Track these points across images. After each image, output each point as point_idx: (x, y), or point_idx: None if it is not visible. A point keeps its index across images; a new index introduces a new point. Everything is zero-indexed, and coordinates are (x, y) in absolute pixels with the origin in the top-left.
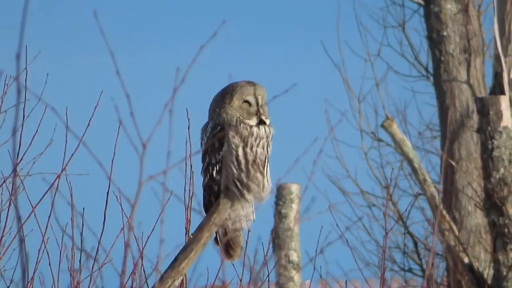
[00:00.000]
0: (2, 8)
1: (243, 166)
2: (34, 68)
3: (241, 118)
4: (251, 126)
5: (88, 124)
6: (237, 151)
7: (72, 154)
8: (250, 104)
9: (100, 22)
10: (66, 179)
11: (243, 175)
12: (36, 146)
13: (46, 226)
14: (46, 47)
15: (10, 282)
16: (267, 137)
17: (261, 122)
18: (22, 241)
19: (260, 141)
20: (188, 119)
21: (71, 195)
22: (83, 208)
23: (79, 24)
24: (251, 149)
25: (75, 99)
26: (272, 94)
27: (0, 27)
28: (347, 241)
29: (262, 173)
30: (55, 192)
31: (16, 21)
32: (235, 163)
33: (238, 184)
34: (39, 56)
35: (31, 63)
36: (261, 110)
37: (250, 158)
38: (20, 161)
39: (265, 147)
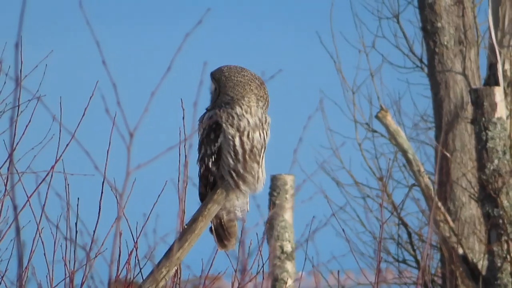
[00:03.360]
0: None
1: (240, 156)
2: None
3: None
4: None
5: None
6: (233, 141)
7: (63, 148)
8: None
9: (85, 11)
10: (64, 171)
11: (239, 166)
12: (34, 138)
13: (41, 217)
14: (33, 37)
15: (5, 271)
16: (259, 120)
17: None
18: (18, 231)
19: (251, 125)
20: (183, 109)
21: (65, 188)
22: (78, 198)
23: (64, 12)
24: (248, 137)
25: (63, 90)
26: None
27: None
28: (343, 230)
29: (258, 163)
30: (49, 183)
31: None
32: (232, 153)
33: (234, 175)
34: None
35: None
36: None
37: (247, 147)
38: (14, 150)
39: (261, 134)
